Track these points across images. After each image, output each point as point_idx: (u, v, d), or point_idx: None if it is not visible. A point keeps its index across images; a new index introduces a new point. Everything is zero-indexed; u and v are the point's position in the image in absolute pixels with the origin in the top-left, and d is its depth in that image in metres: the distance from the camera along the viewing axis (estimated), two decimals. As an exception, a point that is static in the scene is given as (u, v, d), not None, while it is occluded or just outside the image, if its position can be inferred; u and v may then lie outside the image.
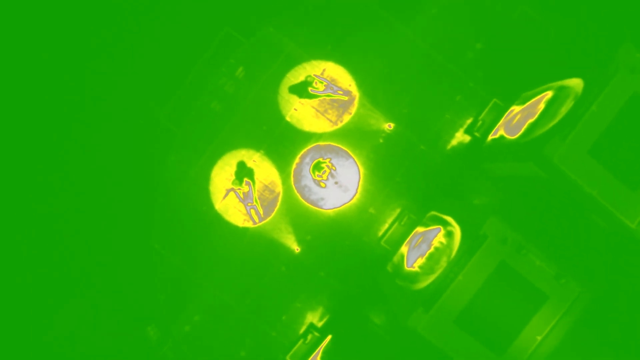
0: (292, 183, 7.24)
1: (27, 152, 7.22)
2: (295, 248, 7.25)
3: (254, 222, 7.23)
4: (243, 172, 7.23)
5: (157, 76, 7.22)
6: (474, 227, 5.13)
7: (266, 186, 7.24)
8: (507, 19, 7.03)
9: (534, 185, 5.38)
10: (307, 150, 7.22)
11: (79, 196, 7.27)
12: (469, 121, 7.13)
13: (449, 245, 5.37)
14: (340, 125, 7.22)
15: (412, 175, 7.19)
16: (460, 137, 7.18)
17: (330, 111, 7.22)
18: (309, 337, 6.83)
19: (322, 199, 7.25)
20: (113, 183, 7.23)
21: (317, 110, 7.21)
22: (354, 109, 7.20)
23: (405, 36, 7.08)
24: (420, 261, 5.64)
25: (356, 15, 7.09)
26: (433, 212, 6.45)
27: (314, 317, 7.27)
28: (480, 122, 6.80)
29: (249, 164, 7.23)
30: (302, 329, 7.19)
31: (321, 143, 7.23)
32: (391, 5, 7.04)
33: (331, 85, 7.17)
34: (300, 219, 7.25)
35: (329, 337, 6.52)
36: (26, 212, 7.27)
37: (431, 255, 5.54)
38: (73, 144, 7.27)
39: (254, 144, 7.23)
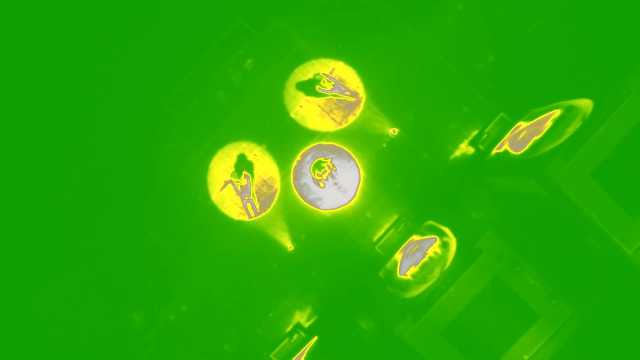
0: (291, 180, 7.25)
1: (21, 129, 7.21)
2: (289, 246, 7.25)
3: (250, 216, 7.24)
4: (243, 165, 7.23)
5: (164, 61, 7.23)
6: (470, 240, 5.13)
7: (265, 181, 7.24)
8: (522, 34, 7.03)
9: (533, 203, 5.38)
10: (309, 148, 7.23)
11: (73, 175, 7.27)
12: (474, 133, 7.14)
13: (443, 256, 5.38)
14: (344, 126, 7.23)
15: (413, 182, 7.20)
16: (464, 148, 7.19)
17: (335, 111, 7.22)
18: (295, 336, 6.83)
19: (320, 198, 7.25)
20: (110, 164, 7.24)
21: (323, 109, 7.22)
22: (359, 111, 7.21)
23: (417, 42, 7.09)
24: (413, 270, 5.65)
25: (370, 17, 7.10)
26: (430, 222, 6.46)
27: (302, 317, 7.27)
28: (485, 135, 6.81)
29: (250, 157, 7.23)
30: (289, 328, 7.20)
31: (324, 142, 7.23)
32: (407, 10, 7.04)
33: (339, 85, 7.17)
34: (296, 217, 7.26)
35: (315, 338, 6.52)
36: (19, 189, 7.27)
37: (425, 265, 5.54)
38: (71, 122, 7.27)
39: (256, 138, 7.24)
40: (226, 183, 7.24)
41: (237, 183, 7.21)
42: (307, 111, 7.22)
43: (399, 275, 5.88)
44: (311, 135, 7.22)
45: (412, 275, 5.55)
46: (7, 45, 6.93)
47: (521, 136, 5.97)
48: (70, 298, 7.31)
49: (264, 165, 7.25)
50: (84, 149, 7.23)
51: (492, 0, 7.03)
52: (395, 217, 7.22)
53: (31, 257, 7.24)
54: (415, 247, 6.11)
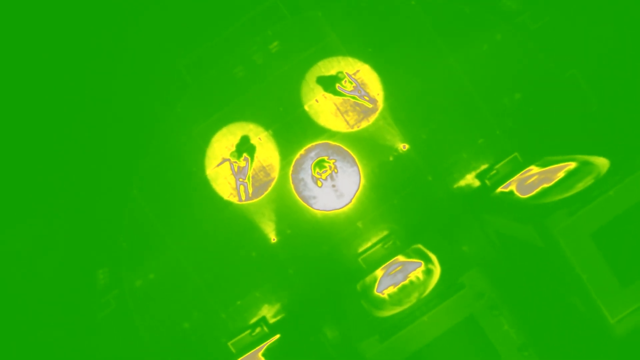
0: (290, 172, 7.27)
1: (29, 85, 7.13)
2: (272, 237, 7.27)
3: (240, 199, 7.25)
4: (244, 146, 7.25)
5: (190, 23, 7.22)
6: (454, 273, 5.15)
7: (263, 167, 7.26)
8: (554, 77, 7.07)
9: (526, 250, 5.41)
10: (315, 145, 7.25)
11: (72, 124, 7.21)
12: (483, 167, 7.17)
13: (424, 283, 5.39)
14: (355, 130, 7.25)
15: (411, 202, 7.23)
16: (471, 179, 7.22)
17: (350, 113, 7.24)
18: (258, 330, 6.84)
19: (315, 197, 7.27)
20: (111, 114, 7.20)
21: (338, 109, 7.24)
22: (374, 119, 7.24)
23: (448, 63, 7.12)
24: (392, 290, 5.66)
25: (407, 29, 7.12)
26: (419, 245, 6.48)
27: (269, 312, 7.29)
28: (494, 171, 6.84)
29: (254, 140, 7.25)
30: (253, 320, 7.22)
31: (331, 142, 7.26)
32: (446, 30, 7.07)
33: (360, 88, 7.19)
34: (286, 210, 7.27)
35: (277, 336, 6.53)
36: (16, 137, 7.20)
37: (404, 287, 5.56)
38: (88, 68, 7.21)
39: (265, 122, 7.25)
40: (224, 160, 7.26)
41: (235, 163, 7.23)
42: (322, 107, 7.24)
43: (375, 292, 5.90)
44: (320, 131, 7.25)
45: (389, 295, 5.57)
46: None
47: (530, 180, 5.99)
48: (39, 240, 7.26)
49: (266, 151, 7.27)
50: (90, 93, 7.19)
51: (532, 38, 7.06)
52: (386, 232, 7.24)
53: (9, 191, 7.19)
54: (399, 268, 6.13)
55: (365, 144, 7.25)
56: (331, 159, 7.24)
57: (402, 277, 5.75)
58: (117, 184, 7.26)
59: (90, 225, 7.26)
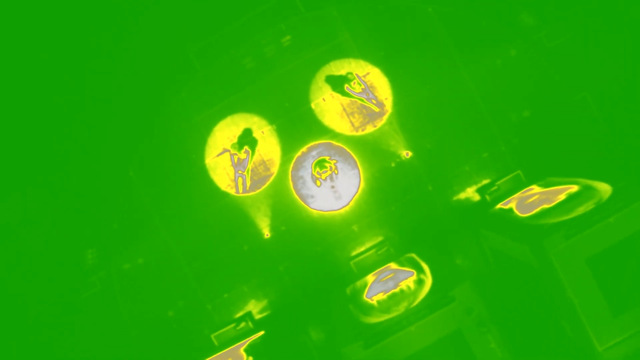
0: (290, 169, 7.28)
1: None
2: (266, 233, 7.28)
3: (237, 191, 7.27)
4: (246, 139, 7.27)
5: (203, 8, 7.24)
6: (445, 285, 5.17)
7: (264, 161, 7.28)
8: (564, 98, 7.10)
9: (520, 270, 5.42)
10: (318, 144, 7.28)
11: (75, 97, 7.20)
12: (485, 182, 7.19)
13: (414, 293, 5.41)
14: (360, 133, 7.27)
15: (408, 210, 7.25)
16: (471, 193, 7.24)
17: (356, 115, 7.27)
18: (242, 324, 6.85)
19: (313, 196, 7.29)
20: (115, 94, 7.20)
21: (345, 110, 7.27)
22: (380, 124, 7.26)
23: (460, 75, 7.15)
24: (381, 297, 5.68)
25: (422, 36, 7.15)
26: (413, 255, 6.50)
27: (255, 308, 7.30)
28: (495, 187, 6.86)
29: (256, 133, 7.27)
30: (239, 314, 7.23)
31: (334, 142, 7.28)
32: (461, 41, 7.10)
33: (368, 91, 7.21)
34: (282, 207, 7.29)
35: (261, 333, 6.53)
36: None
37: (394, 295, 5.57)
38: (98, 46, 7.20)
39: (269, 116, 7.27)
40: (224, 151, 7.27)
41: (235, 155, 7.25)
42: (328, 106, 7.26)
43: (365, 298, 5.91)
44: (324, 131, 7.27)
45: (378, 302, 5.58)
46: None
47: (531, 200, 6.02)
48: (28, 213, 7.23)
49: (268, 145, 7.29)
50: (97, 68, 7.17)
51: (547, 56, 7.09)
52: (380, 238, 7.26)
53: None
54: (390, 275, 6.15)
55: (369, 147, 7.27)
56: (332, 160, 7.26)
57: (393, 285, 5.77)
58: (114, 164, 7.27)
59: (83, 203, 7.26)
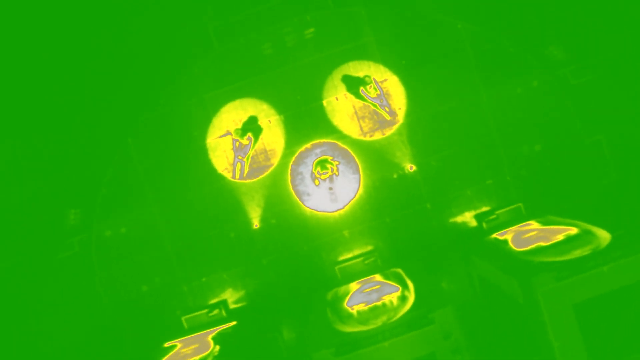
0: (291, 163, 7.30)
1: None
2: (255, 223, 7.30)
3: (233, 177, 7.28)
4: (251, 126, 7.28)
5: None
6: (427, 306, 5.19)
7: (265, 151, 7.30)
8: (578, 138, 7.13)
9: (505, 303, 5.45)
10: (323, 142, 7.29)
11: (88, 56, 7.12)
12: (485, 208, 7.22)
13: (395, 309, 5.43)
14: (367, 138, 7.29)
15: (403, 224, 7.27)
16: (469, 218, 7.26)
17: (367, 120, 7.29)
18: (216, 312, 6.87)
19: (309, 194, 7.31)
20: (126, 58, 7.14)
21: (356, 112, 7.29)
22: (389, 133, 7.28)
23: (477, 97, 7.18)
24: (362, 307, 5.70)
25: (448, 52, 7.17)
26: (399, 270, 6.53)
27: (231, 297, 7.31)
28: (494, 216, 6.89)
29: (262, 121, 7.28)
30: (214, 301, 7.24)
31: (340, 144, 7.29)
32: (485, 64, 7.13)
33: (383, 97, 7.23)
34: (276, 200, 7.31)
35: (233, 323, 6.55)
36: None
37: (375, 308, 5.59)
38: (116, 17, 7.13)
39: (279, 106, 7.29)
40: (227, 133, 7.28)
41: (237, 140, 7.25)
42: (340, 106, 7.28)
43: (345, 305, 5.93)
44: (332, 130, 7.28)
45: (358, 312, 5.61)
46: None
47: (528, 235, 6.06)
48: (17, 160, 7.14)
49: (273, 135, 7.30)
50: (114, 31, 7.11)
51: (569, 93, 7.12)
52: (370, 248, 7.28)
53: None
54: (376, 287, 6.17)
55: (374, 155, 7.29)
56: (335, 161, 7.27)
57: (376, 298, 5.79)
58: (113, 128, 7.26)
59: (74, 161, 7.23)
